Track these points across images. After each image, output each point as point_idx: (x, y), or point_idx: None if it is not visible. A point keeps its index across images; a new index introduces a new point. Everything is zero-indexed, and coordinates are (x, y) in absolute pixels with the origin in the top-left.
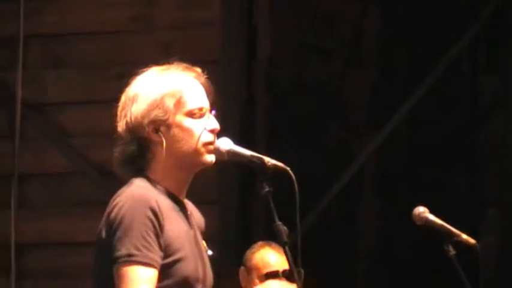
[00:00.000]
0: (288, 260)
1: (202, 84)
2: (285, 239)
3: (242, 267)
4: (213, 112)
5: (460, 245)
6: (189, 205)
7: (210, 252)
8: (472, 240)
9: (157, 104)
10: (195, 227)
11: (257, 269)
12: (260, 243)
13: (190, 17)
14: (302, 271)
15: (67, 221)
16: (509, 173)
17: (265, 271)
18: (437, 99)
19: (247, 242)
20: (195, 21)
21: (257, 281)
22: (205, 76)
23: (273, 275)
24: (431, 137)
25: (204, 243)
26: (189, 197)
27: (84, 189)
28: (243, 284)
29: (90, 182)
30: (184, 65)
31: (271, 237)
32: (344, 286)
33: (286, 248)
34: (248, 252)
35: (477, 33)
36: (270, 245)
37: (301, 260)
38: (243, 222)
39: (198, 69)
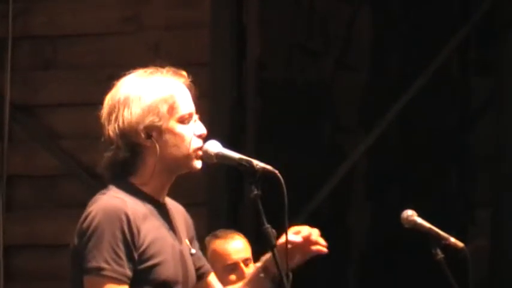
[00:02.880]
0: (276, 263)
1: (188, 88)
2: (274, 242)
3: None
4: (197, 116)
5: (449, 248)
6: (174, 206)
7: (193, 251)
8: (460, 244)
9: (153, 110)
10: (178, 229)
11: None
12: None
13: (180, 17)
14: (291, 274)
15: (56, 223)
16: (500, 174)
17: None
18: (428, 100)
19: None
20: (185, 22)
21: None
22: (189, 79)
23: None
24: (422, 137)
25: (187, 242)
26: (177, 199)
27: (73, 191)
28: None
29: (79, 184)
30: (172, 68)
31: (260, 239)
32: (335, 287)
33: (275, 250)
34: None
35: (468, 34)
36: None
37: None
38: (231, 225)
39: (184, 73)
